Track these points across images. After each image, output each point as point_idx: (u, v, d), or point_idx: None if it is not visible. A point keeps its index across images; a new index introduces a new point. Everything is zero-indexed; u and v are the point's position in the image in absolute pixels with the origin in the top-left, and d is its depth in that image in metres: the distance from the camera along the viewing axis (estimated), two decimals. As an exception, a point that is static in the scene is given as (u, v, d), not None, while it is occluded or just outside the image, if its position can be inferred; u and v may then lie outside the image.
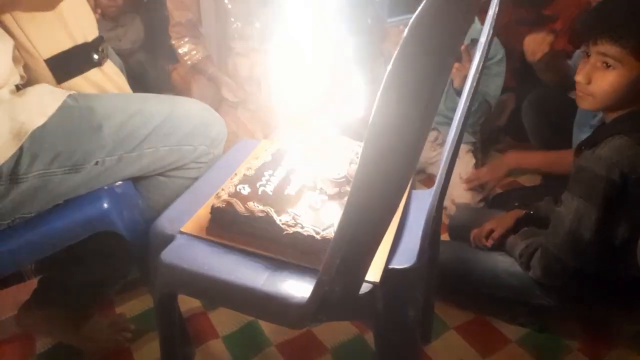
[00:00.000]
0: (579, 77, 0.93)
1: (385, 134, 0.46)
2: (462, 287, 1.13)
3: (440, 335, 1.11)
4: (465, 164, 1.53)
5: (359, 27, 2.33)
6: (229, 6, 1.53)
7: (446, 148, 0.77)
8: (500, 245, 1.12)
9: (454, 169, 1.50)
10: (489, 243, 1.11)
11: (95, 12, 1.91)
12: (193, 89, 1.69)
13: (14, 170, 0.75)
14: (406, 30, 0.44)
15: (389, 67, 0.43)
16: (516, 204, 1.17)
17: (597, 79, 0.91)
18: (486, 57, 0.68)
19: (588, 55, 0.93)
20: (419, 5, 0.42)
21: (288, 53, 1.09)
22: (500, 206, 1.31)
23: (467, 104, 0.71)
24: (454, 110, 1.58)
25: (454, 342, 1.10)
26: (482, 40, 0.68)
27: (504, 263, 1.09)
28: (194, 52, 1.56)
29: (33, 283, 1.13)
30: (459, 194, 1.44)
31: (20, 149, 0.75)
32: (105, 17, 1.93)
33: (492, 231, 1.12)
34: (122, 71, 1.12)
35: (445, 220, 1.45)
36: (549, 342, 1.09)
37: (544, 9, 1.73)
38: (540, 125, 1.53)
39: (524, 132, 1.58)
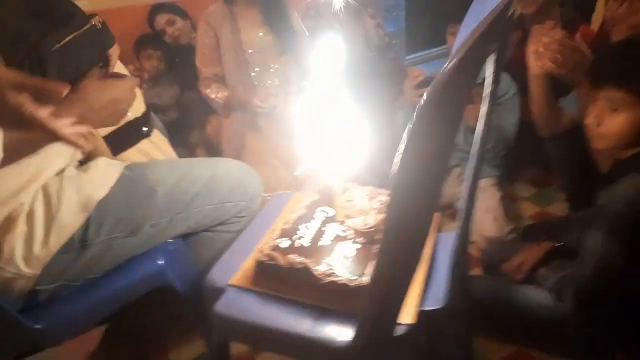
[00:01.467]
0: (590, 121, 0.99)
1: (407, 190, 0.53)
2: (499, 321, 1.15)
3: (481, 370, 1.13)
4: (491, 197, 1.57)
5: (380, 69, 2.44)
6: (249, 56, 1.74)
7: (465, 187, 0.82)
8: (532, 278, 1.15)
9: (480, 203, 1.55)
10: (520, 277, 1.14)
11: (141, 75, 2.13)
12: (229, 125, 1.88)
13: (83, 238, 0.85)
14: (418, 107, 0.51)
15: (408, 131, 0.50)
16: (544, 238, 1.20)
17: (607, 122, 0.96)
18: (495, 95, 0.73)
19: (595, 100, 0.98)
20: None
21: (308, 102, 1.18)
22: (530, 238, 1.34)
23: (481, 142, 0.77)
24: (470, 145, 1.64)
25: (496, 376, 1.12)
26: (488, 81, 0.74)
27: (538, 296, 1.11)
28: (222, 93, 1.79)
29: (92, 333, 1.23)
30: (488, 228, 1.48)
31: (88, 219, 0.86)
32: (148, 77, 2.13)
33: (522, 264, 1.15)
34: (164, 134, 1.25)
35: (477, 254, 1.48)
36: (591, 373, 1.09)
37: None
38: (568, 157, 1.55)
39: (548, 163, 1.61)
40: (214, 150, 2.03)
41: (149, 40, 2.11)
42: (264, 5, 1.73)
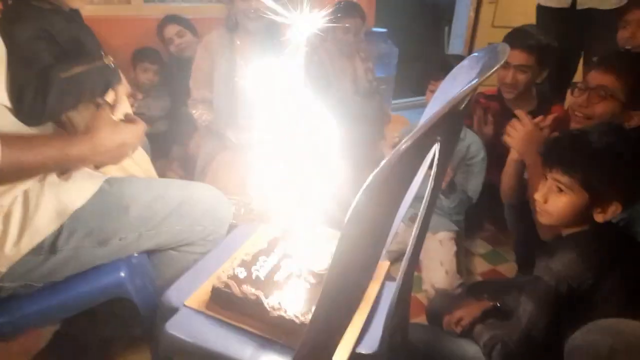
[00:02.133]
0: (537, 196, 1.09)
1: (350, 247, 0.61)
2: (432, 370, 1.23)
3: (410, 415, 1.20)
4: (446, 251, 1.66)
5: (365, 110, 2.55)
6: (239, 89, 1.82)
7: (411, 242, 0.90)
8: (469, 333, 1.23)
9: (436, 254, 1.64)
10: (458, 330, 1.23)
11: (132, 85, 2.19)
12: (205, 143, 1.96)
13: (53, 243, 0.90)
14: (366, 183, 0.58)
15: (360, 192, 0.58)
16: (485, 296, 1.29)
17: (553, 200, 1.06)
18: (439, 177, 0.83)
19: (545, 179, 1.09)
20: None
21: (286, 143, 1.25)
22: (474, 294, 1.43)
23: (427, 206, 0.85)
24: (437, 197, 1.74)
25: (423, 423, 1.19)
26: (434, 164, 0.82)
27: (472, 351, 1.19)
28: (205, 116, 1.88)
29: (40, 333, 1.26)
30: (439, 279, 1.57)
31: (61, 226, 0.91)
32: (139, 89, 2.19)
33: (461, 319, 1.24)
34: (147, 150, 1.31)
35: (425, 302, 1.57)
36: None
37: None
38: (519, 222, 1.67)
39: (504, 221, 1.72)
40: (189, 166, 2.10)
41: (147, 54, 2.18)
42: (264, 44, 1.81)
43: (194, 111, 1.89)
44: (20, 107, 0.83)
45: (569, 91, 2.22)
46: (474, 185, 1.75)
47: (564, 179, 1.04)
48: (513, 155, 1.41)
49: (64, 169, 0.94)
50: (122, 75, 1.01)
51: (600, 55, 1.70)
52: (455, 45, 3.58)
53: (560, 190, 1.05)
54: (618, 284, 1.00)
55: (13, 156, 0.78)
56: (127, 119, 0.99)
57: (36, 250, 0.89)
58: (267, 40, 1.81)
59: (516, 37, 1.71)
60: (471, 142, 1.74)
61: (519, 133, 1.37)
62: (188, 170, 2.10)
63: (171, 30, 2.21)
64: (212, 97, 1.88)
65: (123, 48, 2.13)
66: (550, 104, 1.83)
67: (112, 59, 0.96)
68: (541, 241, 1.43)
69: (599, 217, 1.02)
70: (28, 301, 0.93)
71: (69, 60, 0.89)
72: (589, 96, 1.37)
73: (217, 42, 1.83)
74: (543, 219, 1.11)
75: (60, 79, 0.86)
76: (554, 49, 1.76)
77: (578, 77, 2.28)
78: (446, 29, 3.73)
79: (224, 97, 1.85)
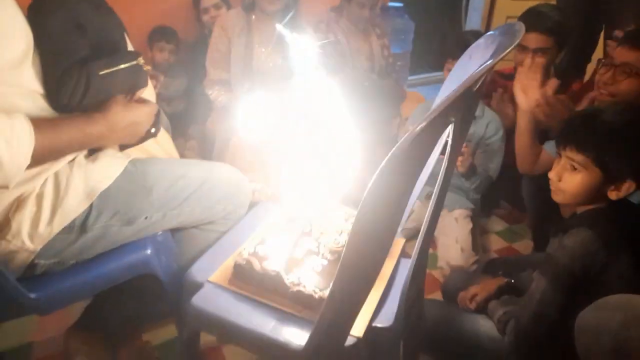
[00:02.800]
0: (552, 175, 1.10)
1: (367, 223, 0.63)
2: (447, 345, 1.26)
3: (424, 388, 1.24)
4: (462, 228, 1.68)
5: (381, 88, 2.54)
6: (255, 72, 1.82)
7: (426, 218, 0.92)
8: (484, 309, 1.26)
9: (452, 232, 1.66)
10: (472, 306, 1.26)
11: (150, 64, 2.22)
12: (221, 123, 1.97)
13: (83, 223, 0.95)
14: (385, 159, 0.61)
15: (376, 173, 0.60)
16: (500, 273, 1.31)
17: (566, 179, 1.07)
18: (454, 155, 0.83)
19: (560, 156, 1.10)
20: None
21: (304, 121, 1.26)
22: (489, 272, 1.45)
23: (441, 184, 0.87)
24: (455, 176, 1.75)
25: (436, 395, 1.23)
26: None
27: (486, 327, 1.22)
28: (222, 97, 1.90)
29: (72, 308, 1.33)
30: (454, 256, 1.59)
31: (90, 205, 0.95)
32: (156, 68, 2.21)
33: (475, 295, 1.27)
34: (168, 131, 1.34)
35: (441, 279, 1.60)
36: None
37: None
38: (536, 198, 1.67)
39: (521, 201, 1.72)
40: (207, 145, 2.13)
41: (163, 33, 2.20)
42: (279, 20, 1.80)
43: (210, 92, 1.91)
44: (58, 98, 0.87)
45: (591, 67, 2.18)
46: (494, 164, 1.75)
47: (578, 157, 1.04)
48: (523, 106, 1.41)
49: (86, 148, 0.99)
50: (147, 76, 1.05)
51: (624, 30, 1.66)
52: (473, 18, 3.51)
53: (574, 168, 1.06)
54: (631, 262, 1.01)
55: (45, 140, 0.82)
56: (139, 100, 1.03)
57: (68, 229, 0.93)
58: (284, 20, 1.80)
59: (533, 20, 1.67)
60: (489, 120, 1.73)
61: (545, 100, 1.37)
62: (205, 149, 2.13)
63: (208, 1, 2.20)
64: (229, 77, 1.89)
65: (140, 27, 2.15)
66: (569, 81, 1.80)
67: (142, 59, 0.99)
68: (556, 217, 1.44)
69: (612, 195, 1.03)
70: (61, 278, 0.98)
71: (104, 56, 0.93)
72: (614, 73, 1.35)
73: (234, 22, 1.83)
74: (557, 197, 1.12)
75: (98, 75, 0.89)
76: (572, 27, 1.72)
77: (599, 51, 2.23)
78: (464, 1, 3.65)
79: (241, 77, 1.86)
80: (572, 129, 1.08)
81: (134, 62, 0.96)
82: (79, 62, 0.88)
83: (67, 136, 0.88)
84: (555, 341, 1.06)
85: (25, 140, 0.79)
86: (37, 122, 0.82)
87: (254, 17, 1.83)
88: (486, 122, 1.73)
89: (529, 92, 1.41)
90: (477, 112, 1.72)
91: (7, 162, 0.77)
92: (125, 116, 0.96)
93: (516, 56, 1.75)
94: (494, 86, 1.90)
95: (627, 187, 1.01)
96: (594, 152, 1.02)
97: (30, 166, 0.82)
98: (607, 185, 1.03)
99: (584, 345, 0.85)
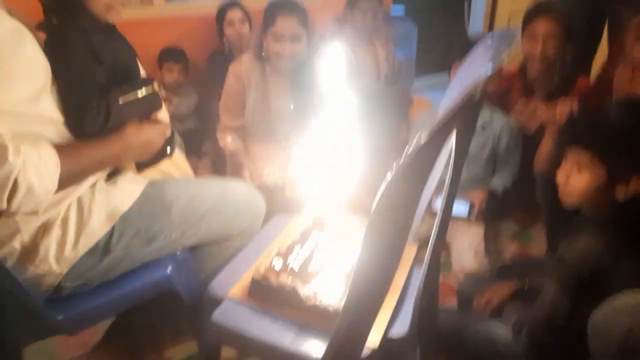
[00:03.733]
0: (559, 178, 1.11)
1: (378, 232, 0.66)
2: (462, 352, 1.27)
3: (442, 393, 1.25)
4: (475, 233, 1.69)
5: (387, 96, 2.57)
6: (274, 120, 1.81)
7: (435, 225, 0.94)
8: (499, 314, 1.27)
9: (464, 238, 1.67)
10: (488, 310, 1.27)
11: (159, 84, 2.27)
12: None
13: (106, 244, 0.99)
14: (387, 179, 0.63)
15: (385, 184, 0.62)
16: (513, 277, 1.32)
17: (574, 180, 1.08)
18: (458, 164, 0.84)
19: (566, 160, 1.11)
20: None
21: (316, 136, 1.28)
22: (503, 276, 1.46)
23: (449, 189, 0.89)
24: (468, 182, 1.76)
25: (454, 401, 1.24)
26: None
27: (501, 332, 1.22)
28: (230, 145, 1.86)
29: (96, 327, 1.36)
30: (467, 262, 1.60)
31: (112, 228, 0.99)
32: (166, 89, 2.26)
33: (490, 300, 1.28)
34: (182, 150, 1.38)
35: (455, 286, 1.61)
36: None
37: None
38: (550, 200, 1.66)
39: (534, 206, 1.72)
40: (221, 161, 2.16)
41: (172, 54, 2.25)
42: (294, 76, 1.75)
43: (222, 137, 1.88)
44: (81, 126, 0.92)
45: (596, 64, 2.18)
46: (509, 173, 1.76)
47: (584, 155, 1.04)
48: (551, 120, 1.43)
49: (105, 168, 1.03)
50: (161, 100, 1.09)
51: (630, 19, 1.66)
52: (477, 19, 3.53)
53: (581, 169, 1.06)
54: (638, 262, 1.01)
55: (68, 164, 0.87)
56: (151, 121, 1.07)
57: (92, 251, 0.97)
58: (298, 68, 1.74)
59: (540, 8, 1.72)
60: (500, 126, 1.74)
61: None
62: (219, 165, 2.16)
63: (235, 14, 2.24)
64: (243, 123, 1.87)
65: (148, 49, 2.20)
66: (575, 77, 1.80)
67: (156, 84, 1.04)
68: (567, 220, 1.44)
69: (620, 195, 1.03)
70: (86, 298, 1.02)
71: (120, 82, 0.97)
72: (634, 69, 1.34)
73: (248, 71, 1.79)
74: (568, 199, 1.12)
75: (118, 104, 0.94)
76: (579, 17, 1.74)
77: (603, 47, 2.22)
78: (466, 3, 3.68)
79: (257, 124, 1.84)
80: (577, 127, 1.09)
81: (150, 89, 1.00)
82: (98, 90, 0.92)
83: (87, 159, 0.93)
84: (567, 342, 1.07)
85: (52, 166, 0.84)
86: (60, 148, 0.87)
87: (268, 69, 1.80)
88: (498, 129, 1.74)
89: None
90: (485, 118, 1.74)
91: (37, 189, 0.82)
92: (140, 137, 1.01)
93: (525, 45, 1.76)
94: (499, 85, 1.91)
95: (636, 185, 1.01)
96: (599, 149, 1.02)
97: (56, 191, 0.86)
98: (614, 185, 1.03)
99: (595, 345, 0.86)
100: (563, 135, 1.11)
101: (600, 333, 0.88)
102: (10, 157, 0.77)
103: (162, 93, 1.08)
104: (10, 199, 0.80)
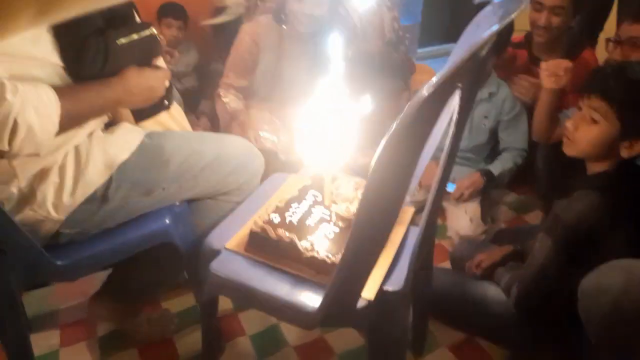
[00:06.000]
0: (569, 123, 1.10)
1: (377, 189, 0.66)
2: (456, 310, 1.30)
3: (433, 350, 1.28)
4: (472, 199, 1.70)
5: (390, 61, 2.53)
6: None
7: (433, 187, 0.94)
8: (490, 275, 1.29)
9: (461, 203, 1.68)
10: (478, 272, 1.29)
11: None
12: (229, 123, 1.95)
13: (104, 194, 0.99)
14: (394, 125, 0.63)
15: (384, 140, 0.62)
16: (506, 241, 1.34)
17: (583, 129, 1.08)
18: (461, 122, 0.84)
19: (580, 109, 1.10)
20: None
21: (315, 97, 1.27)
22: (497, 241, 1.48)
23: (449, 153, 0.88)
24: (470, 150, 1.76)
25: (445, 358, 1.27)
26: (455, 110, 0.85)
27: (493, 292, 1.25)
28: (232, 104, 1.83)
29: (95, 277, 1.39)
30: (463, 226, 1.62)
31: (110, 177, 0.99)
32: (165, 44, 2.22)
33: (481, 262, 1.30)
34: (180, 105, 1.37)
35: (450, 249, 1.63)
36: (530, 366, 1.25)
37: None
38: (551, 166, 1.66)
39: (532, 174, 1.73)
40: (217, 120, 2.14)
41: (171, 9, 2.20)
42: (311, 44, 1.72)
43: (223, 94, 1.85)
44: (79, 69, 0.89)
45: (604, 40, 2.14)
46: (521, 134, 1.74)
47: (601, 105, 1.04)
48: (547, 85, 1.41)
49: (105, 113, 1.03)
50: (161, 45, 1.07)
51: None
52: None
53: (594, 121, 1.06)
54: (636, 230, 1.02)
55: (68, 106, 0.85)
56: (152, 67, 1.05)
57: (90, 200, 0.97)
58: (316, 37, 1.71)
59: None
60: (505, 96, 1.72)
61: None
62: (215, 124, 2.14)
63: None
64: (247, 85, 1.84)
65: (147, 3, 2.14)
66: (581, 49, 1.78)
67: (154, 29, 1.01)
68: (567, 183, 1.44)
69: (625, 152, 1.03)
70: (85, 246, 1.02)
71: (119, 26, 0.95)
72: (623, 49, 1.35)
73: (265, 31, 1.74)
74: (569, 149, 1.12)
75: (117, 45, 0.91)
76: None
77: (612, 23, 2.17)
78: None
79: (265, 88, 1.81)
80: (600, 77, 1.08)
81: (148, 32, 0.98)
82: (96, 32, 0.90)
83: (88, 102, 0.92)
84: (556, 302, 1.09)
85: (52, 107, 0.83)
86: (59, 90, 0.85)
87: (285, 34, 1.75)
88: (502, 99, 1.72)
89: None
90: (492, 89, 1.72)
91: (38, 130, 0.81)
92: (141, 81, 0.99)
93: (531, 14, 1.73)
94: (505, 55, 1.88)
95: None
96: (618, 102, 1.02)
97: (57, 133, 0.85)
98: (621, 141, 1.03)
99: (585, 307, 0.87)
100: (586, 84, 1.09)
101: (593, 294, 0.89)
102: (8, 96, 0.76)
103: (162, 39, 1.05)
104: (11, 141, 0.79)
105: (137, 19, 1.07)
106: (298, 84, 1.73)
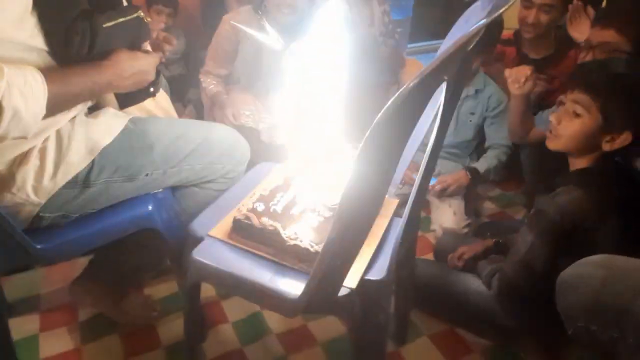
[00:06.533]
0: (552, 117, 1.12)
1: (360, 179, 0.66)
2: (438, 300, 1.31)
3: (415, 340, 1.30)
4: (455, 196, 1.71)
5: (380, 54, 2.53)
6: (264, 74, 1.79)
7: (417, 180, 0.95)
8: (472, 268, 1.31)
9: (445, 198, 1.69)
10: (460, 264, 1.31)
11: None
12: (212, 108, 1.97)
13: (86, 178, 0.98)
14: (375, 119, 0.63)
15: (369, 130, 0.63)
16: (489, 234, 1.36)
17: (566, 123, 1.09)
18: (446, 116, 0.84)
19: (563, 103, 1.12)
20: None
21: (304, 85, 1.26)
22: (482, 234, 1.50)
23: (432, 147, 0.89)
24: (456, 146, 1.77)
25: (426, 347, 1.29)
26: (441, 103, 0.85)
27: (475, 284, 1.27)
28: (212, 87, 1.86)
29: (77, 262, 1.37)
30: (447, 219, 1.63)
31: (92, 161, 0.98)
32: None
33: (462, 254, 1.32)
34: (167, 92, 1.36)
35: (433, 242, 1.65)
36: (509, 357, 1.27)
37: (548, 69, 1.82)
38: (535, 163, 1.68)
39: (516, 170, 1.75)
40: (201, 108, 2.13)
41: (161, -5, 2.17)
42: (291, 33, 1.73)
43: (203, 79, 1.88)
44: (65, 53, 0.87)
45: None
46: (507, 133, 1.75)
47: (585, 99, 1.05)
48: (514, 92, 1.43)
49: (95, 97, 1.02)
50: (150, 29, 1.05)
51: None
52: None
53: (577, 115, 1.07)
54: (620, 224, 1.04)
55: (56, 89, 0.84)
56: (142, 51, 1.04)
57: (71, 183, 0.96)
58: (296, 27, 1.71)
59: None
60: (491, 93, 1.73)
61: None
62: (201, 112, 2.13)
63: None
64: (227, 74, 1.87)
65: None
66: (569, 48, 1.80)
67: (142, 12, 1.00)
68: (550, 179, 1.45)
69: (607, 146, 1.05)
70: (66, 230, 1.01)
71: (106, 10, 0.93)
72: (594, 54, 1.37)
73: (245, 21, 1.75)
74: (552, 143, 1.14)
75: (103, 29, 0.90)
76: None
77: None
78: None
79: (246, 77, 1.83)
80: (584, 71, 1.10)
81: (135, 15, 0.96)
82: (82, 16, 0.88)
83: (77, 86, 0.90)
84: (538, 295, 1.11)
85: (38, 90, 0.81)
86: (47, 73, 0.84)
87: (265, 22, 1.75)
88: (488, 95, 1.73)
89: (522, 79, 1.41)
90: (479, 86, 1.72)
91: (24, 113, 0.79)
92: (132, 65, 0.97)
93: (521, 12, 1.75)
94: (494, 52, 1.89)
95: (624, 138, 1.03)
96: (602, 96, 1.03)
97: (44, 117, 0.84)
98: (603, 135, 1.05)
99: (564, 301, 0.88)
100: (570, 78, 1.11)
101: (571, 287, 0.90)
102: None
103: (150, 21, 1.03)
104: None
105: (124, 2, 1.06)
106: (278, 73, 1.75)
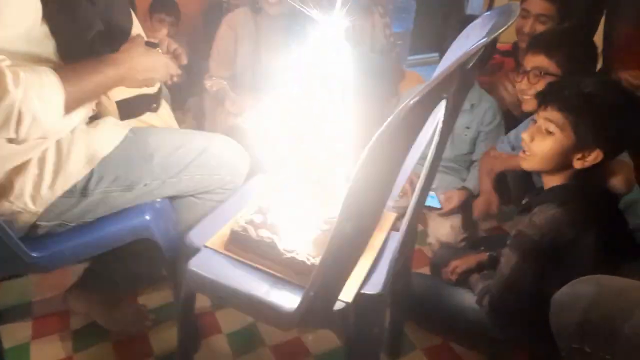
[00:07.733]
0: (525, 135, 1.13)
1: (360, 190, 0.66)
2: (432, 315, 1.32)
3: (408, 353, 1.30)
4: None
5: (380, 67, 2.55)
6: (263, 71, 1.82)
7: (414, 196, 0.95)
8: (465, 282, 1.31)
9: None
10: (453, 278, 1.31)
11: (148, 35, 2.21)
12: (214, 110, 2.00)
13: (84, 187, 0.98)
14: (374, 137, 0.63)
15: (368, 146, 0.63)
16: (482, 248, 1.36)
17: (538, 141, 1.10)
18: (445, 132, 0.85)
19: (535, 121, 1.13)
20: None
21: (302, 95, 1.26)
22: (477, 248, 1.50)
23: (431, 163, 0.90)
24: (452, 160, 1.78)
25: (419, 361, 1.29)
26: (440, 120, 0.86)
27: (469, 298, 1.27)
28: (216, 86, 1.90)
29: (70, 269, 1.37)
30: (444, 233, 1.64)
31: (91, 171, 0.98)
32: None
33: (456, 268, 1.32)
34: (168, 102, 1.36)
35: (430, 255, 1.65)
36: (502, 371, 1.28)
37: None
38: (521, 186, 1.70)
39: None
40: (201, 118, 2.15)
41: (164, 5, 2.19)
42: (287, 28, 1.77)
43: (207, 83, 1.93)
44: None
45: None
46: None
47: (557, 116, 1.07)
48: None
49: (108, 91, 1.03)
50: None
51: (625, 17, 1.68)
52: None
53: (549, 132, 1.09)
54: (598, 238, 1.05)
55: (72, 89, 0.85)
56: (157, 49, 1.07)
57: (69, 193, 0.96)
58: (291, 24, 1.77)
59: None
60: (487, 107, 1.75)
61: None
62: (200, 122, 2.15)
63: None
64: (230, 76, 1.91)
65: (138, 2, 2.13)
66: None
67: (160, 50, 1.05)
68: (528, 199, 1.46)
69: (578, 164, 1.07)
70: (62, 239, 1.01)
71: (116, 33, 0.95)
72: (528, 78, 1.42)
73: (242, 22, 1.81)
74: (526, 163, 1.15)
75: None
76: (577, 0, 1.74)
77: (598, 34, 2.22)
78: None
79: (248, 76, 1.86)
80: (556, 88, 1.11)
81: (147, 40, 0.98)
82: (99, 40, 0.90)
83: (92, 83, 0.91)
84: (528, 311, 1.11)
85: (55, 93, 0.82)
86: (62, 74, 0.84)
87: (261, 21, 1.82)
88: (484, 110, 1.75)
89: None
90: (474, 100, 1.74)
91: (42, 118, 0.80)
92: (146, 61, 1.00)
93: (517, 21, 1.77)
94: (491, 63, 1.91)
95: (594, 156, 1.05)
96: (573, 114, 1.05)
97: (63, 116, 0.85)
98: (575, 153, 1.07)
99: (556, 317, 0.89)
100: (543, 95, 1.12)
101: (564, 305, 0.91)
102: (10, 87, 0.75)
103: (172, 43, 1.06)
104: (17, 129, 0.79)
105: (134, 19, 1.08)
106: (276, 73, 1.77)
